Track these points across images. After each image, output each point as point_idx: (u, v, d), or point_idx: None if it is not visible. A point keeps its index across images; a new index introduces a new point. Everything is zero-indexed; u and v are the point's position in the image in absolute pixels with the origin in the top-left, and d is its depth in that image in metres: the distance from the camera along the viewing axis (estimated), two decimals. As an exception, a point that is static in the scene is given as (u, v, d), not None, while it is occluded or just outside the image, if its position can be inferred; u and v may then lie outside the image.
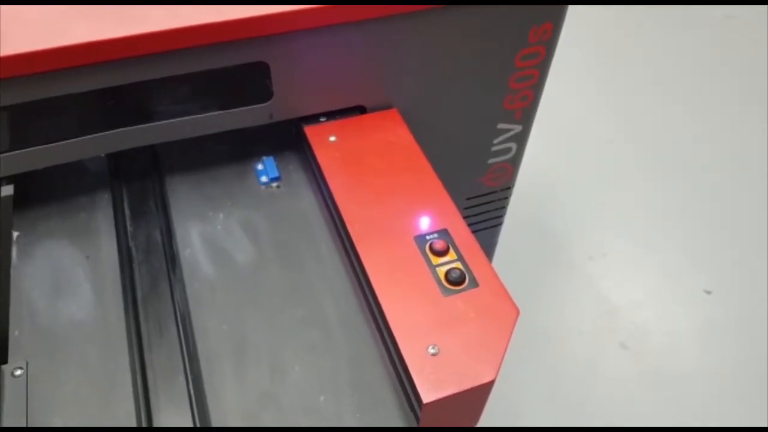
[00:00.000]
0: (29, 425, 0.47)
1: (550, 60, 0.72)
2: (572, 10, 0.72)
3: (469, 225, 0.58)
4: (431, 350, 0.47)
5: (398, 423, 0.48)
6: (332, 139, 0.65)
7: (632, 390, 1.25)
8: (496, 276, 0.53)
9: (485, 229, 0.92)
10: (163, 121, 0.61)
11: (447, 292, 0.51)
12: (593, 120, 1.80)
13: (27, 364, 0.50)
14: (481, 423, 0.52)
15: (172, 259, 0.59)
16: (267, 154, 0.68)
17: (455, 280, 0.52)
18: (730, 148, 1.73)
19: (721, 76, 1.95)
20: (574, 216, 1.55)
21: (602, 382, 1.27)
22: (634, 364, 1.29)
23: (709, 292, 1.41)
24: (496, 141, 0.79)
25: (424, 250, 0.54)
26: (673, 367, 1.29)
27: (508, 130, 0.78)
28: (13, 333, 0.53)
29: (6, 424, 0.47)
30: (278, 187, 0.66)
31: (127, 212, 0.63)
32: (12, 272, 0.57)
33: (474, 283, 0.52)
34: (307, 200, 0.64)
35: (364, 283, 0.54)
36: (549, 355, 1.30)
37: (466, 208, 0.86)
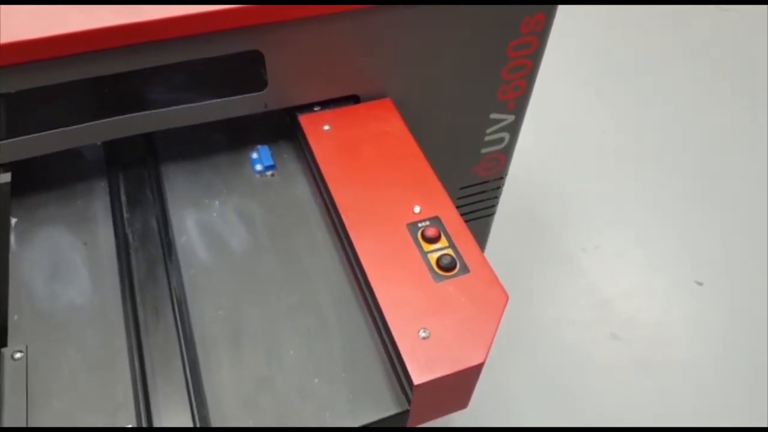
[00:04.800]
0: (29, 407, 0.48)
1: (542, 50, 0.73)
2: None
3: (462, 215, 0.59)
4: (422, 334, 0.48)
5: (390, 404, 0.49)
6: (326, 128, 0.65)
7: (623, 380, 1.27)
8: (486, 262, 0.54)
9: (478, 218, 0.93)
10: (159, 110, 0.62)
11: (438, 278, 0.52)
12: (586, 111, 1.81)
13: (26, 347, 0.51)
14: (473, 411, 0.53)
15: (168, 245, 0.60)
16: (262, 142, 0.69)
17: (446, 266, 0.53)
18: (724, 140, 1.75)
19: (713, 68, 1.96)
20: (567, 207, 1.56)
21: (593, 372, 1.28)
22: (625, 354, 1.31)
23: (700, 284, 1.43)
24: (489, 131, 0.80)
25: (416, 237, 0.55)
26: (664, 357, 1.31)
27: (501, 120, 0.79)
28: (13, 317, 0.54)
29: (7, 405, 0.47)
30: (273, 175, 0.67)
31: (123, 199, 0.64)
32: (10, 258, 0.58)
33: (465, 269, 0.53)
34: (301, 188, 0.65)
35: (357, 269, 0.55)
36: (541, 345, 1.31)
37: (459, 198, 0.87)
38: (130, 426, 0.47)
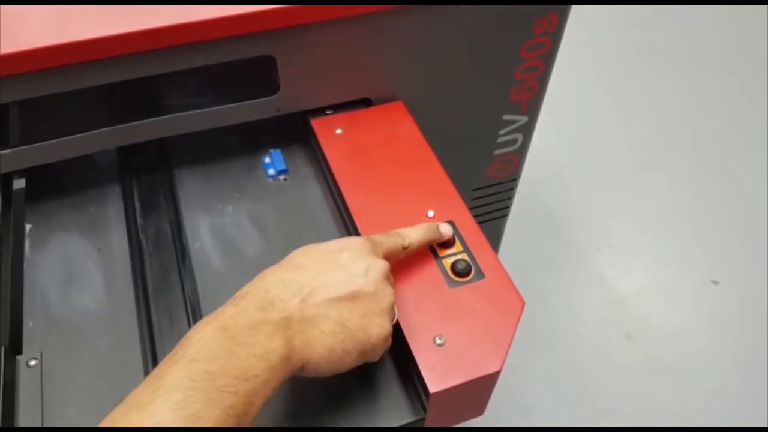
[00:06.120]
0: (44, 415, 0.48)
1: (555, 51, 0.72)
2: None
3: (475, 216, 0.58)
4: (438, 341, 0.48)
5: (405, 413, 0.48)
6: (339, 131, 0.65)
7: (637, 380, 1.26)
8: (501, 267, 0.53)
9: (491, 220, 0.92)
10: (172, 115, 0.62)
11: (453, 283, 0.52)
12: (599, 110, 1.80)
13: (41, 354, 0.51)
14: (486, 410, 0.53)
15: (182, 251, 0.59)
16: (274, 146, 0.69)
17: (461, 271, 0.52)
18: (738, 138, 1.73)
19: (727, 67, 1.94)
20: (580, 207, 1.55)
21: (607, 372, 1.27)
22: (639, 354, 1.30)
23: (716, 283, 1.41)
24: (502, 132, 0.79)
25: (431, 241, 0.55)
26: (678, 357, 1.30)
27: (514, 121, 0.78)
28: (27, 324, 0.54)
29: (22, 413, 0.48)
30: (285, 179, 0.66)
31: (137, 205, 0.64)
32: (25, 264, 0.58)
33: (480, 275, 0.52)
34: (314, 192, 0.65)
35: (371, 274, 0.55)
36: (555, 345, 1.31)
37: (472, 200, 0.87)
38: None
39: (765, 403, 1.21)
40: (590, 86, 1.86)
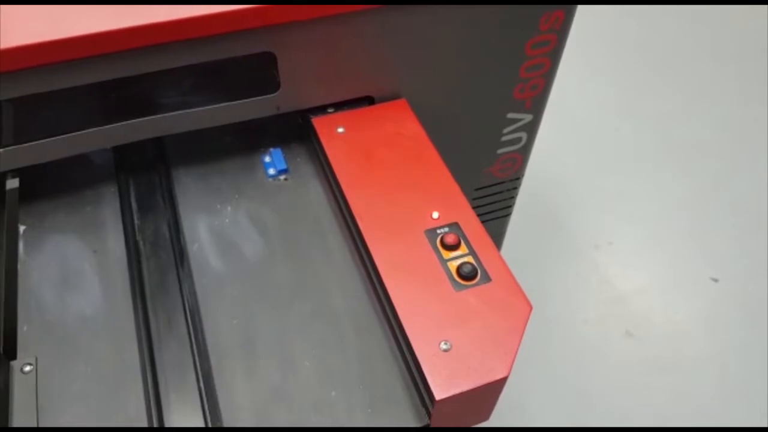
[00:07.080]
0: (39, 421, 0.47)
1: (561, 49, 0.71)
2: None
3: (478, 215, 0.57)
4: (443, 346, 0.47)
5: (410, 419, 0.47)
6: (340, 130, 0.64)
7: (637, 377, 1.26)
8: (508, 270, 0.52)
9: (494, 219, 0.91)
10: (170, 113, 0.60)
11: (459, 287, 0.51)
12: (600, 108, 1.79)
13: (36, 359, 0.50)
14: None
15: (180, 252, 0.58)
16: (275, 145, 0.68)
17: (467, 274, 0.51)
18: (737, 136, 1.72)
19: (728, 65, 1.94)
20: (580, 204, 1.55)
21: (607, 370, 1.27)
22: (639, 352, 1.29)
23: (715, 280, 1.41)
24: (506, 131, 0.78)
25: (435, 244, 0.54)
26: (678, 354, 1.29)
27: (519, 120, 0.77)
28: (22, 328, 0.53)
29: (16, 420, 0.46)
30: (286, 179, 0.65)
31: (134, 205, 0.62)
32: (19, 267, 0.57)
33: (486, 278, 0.51)
34: (315, 192, 0.64)
35: (374, 277, 0.54)
36: (554, 343, 1.30)
37: (475, 199, 0.86)
38: None
39: (765, 402, 1.21)
40: (591, 85, 1.85)
